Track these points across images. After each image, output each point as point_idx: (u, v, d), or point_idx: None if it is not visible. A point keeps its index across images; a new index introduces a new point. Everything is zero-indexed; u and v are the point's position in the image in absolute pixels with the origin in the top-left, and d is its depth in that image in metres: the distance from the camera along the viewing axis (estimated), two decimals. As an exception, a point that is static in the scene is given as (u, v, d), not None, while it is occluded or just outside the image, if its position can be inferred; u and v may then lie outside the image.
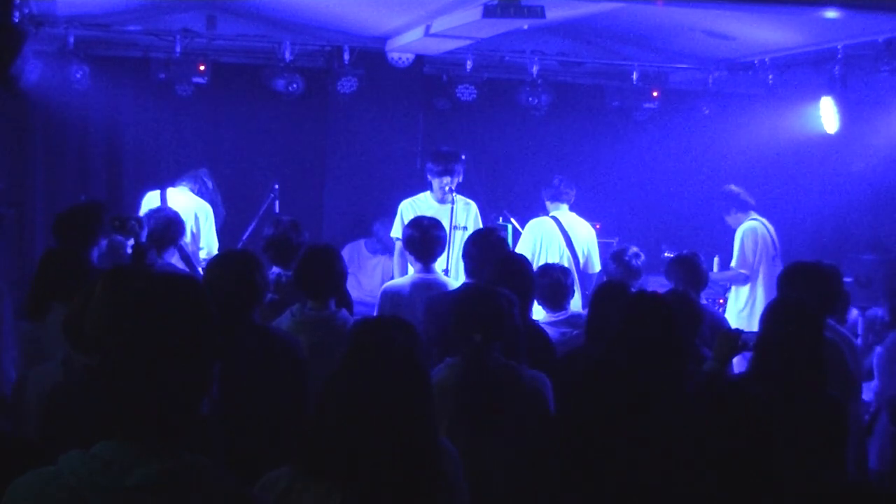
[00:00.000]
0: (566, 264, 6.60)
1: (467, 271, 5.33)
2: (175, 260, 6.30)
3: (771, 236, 7.78)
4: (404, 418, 2.45)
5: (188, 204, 7.02)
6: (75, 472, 1.90)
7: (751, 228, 7.71)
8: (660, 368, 3.43)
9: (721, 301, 8.10)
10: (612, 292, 4.68)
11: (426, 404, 2.56)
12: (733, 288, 7.83)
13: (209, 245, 7.04)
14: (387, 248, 8.37)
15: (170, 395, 1.97)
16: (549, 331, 5.22)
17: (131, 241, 5.68)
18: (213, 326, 2.05)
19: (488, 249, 5.25)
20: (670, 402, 2.92)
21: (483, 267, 5.13)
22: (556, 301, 5.40)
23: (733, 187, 7.90)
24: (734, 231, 7.86)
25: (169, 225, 5.80)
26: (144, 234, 5.61)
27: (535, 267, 6.62)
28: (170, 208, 6.18)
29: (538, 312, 5.52)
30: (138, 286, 2.06)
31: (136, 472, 1.90)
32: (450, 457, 2.93)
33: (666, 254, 8.06)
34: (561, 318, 5.38)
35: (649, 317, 3.82)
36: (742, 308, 7.67)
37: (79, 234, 5.24)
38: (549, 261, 6.73)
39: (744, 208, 7.80)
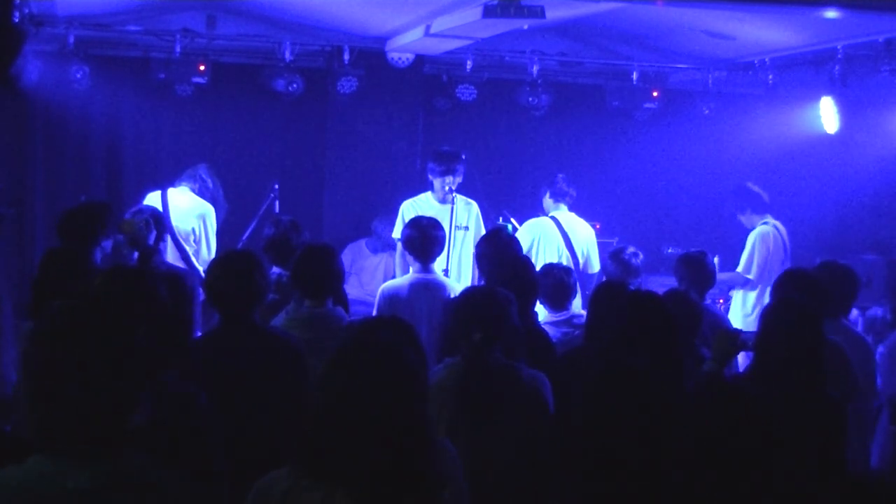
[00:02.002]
0: (565, 265, 6.59)
1: (482, 272, 5.37)
2: (174, 259, 6.29)
3: (783, 241, 7.63)
4: (390, 417, 2.44)
5: (191, 205, 7.01)
6: (10, 483, 1.96)
7: (765, 234, 7.58)
8: (659, 367, 3.43)
9: (721, 301, 8.07)
10: (610, 292, 4.68)
11: (414, 403, 2.53)
12: (741, 292, 7.67)
13: (210, 247, 7.03)
14: (387, 245, 8.36)
15: (92, 412, 2.04)
16: (551, 331, 5.23)
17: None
18: (136, 345, 2.11)
19: (500, 248, 5.28)
20: (670, 401, 2.92)
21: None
22: (558, 301, 5.39)
23: (752, 186, 7.75)
24: (744, 229, 7.77)
25: (152, 224, 5.74)
26: (153, 236, 5.59)
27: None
28: (150, 206, 6.11)
29: (540, 312, 5.52)
30: (59, 308, 2.16)
31: (73, 477, 1.98)
32: (449, 456, 2.92)
33: (670, 250, 8.03)
34: (563, 318, 5.38)
35: (648, 316, 3.83)
36: (749, 314, 7.51)
37: (82, 234, 5.23)
38: (548, 261, 6.72)
39: (760, 210, 7.67)
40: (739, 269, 7.59)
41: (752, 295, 7.61)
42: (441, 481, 2.57)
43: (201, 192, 7.17)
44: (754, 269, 7.51)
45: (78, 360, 2.05)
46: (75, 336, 2.07)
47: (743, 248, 7.75)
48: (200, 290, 4.63)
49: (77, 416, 2.02)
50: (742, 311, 7.64)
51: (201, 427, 3.12)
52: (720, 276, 7.56)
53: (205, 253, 6.93)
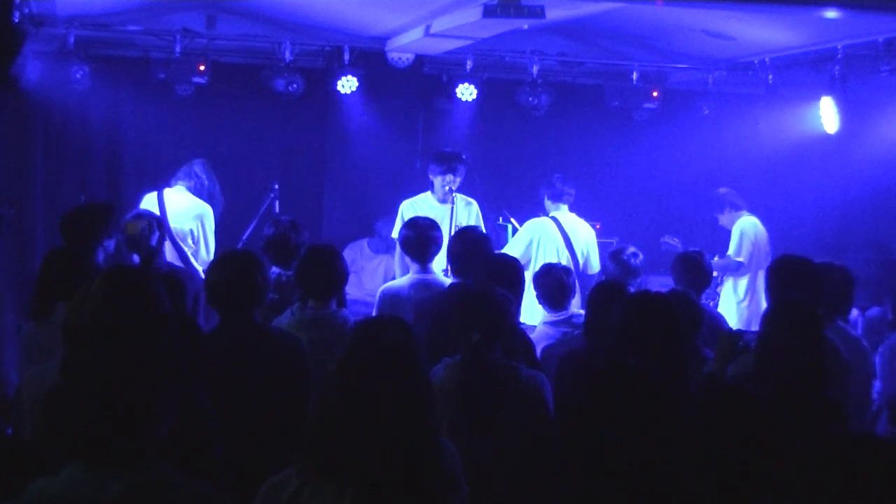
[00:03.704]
0: (565, 265, 6.58)
1: (454, 271, 5.33)
2: (172, 259, 6.28)
3: (765, 234, 7.99)
4: (403, 417, 2.44)
5: (188, 205, 7.00)
6: (47, 493, 1.94)
7: (750, 223, 8.00)
8: (661, 367, 3.43)
9: (716, 300, 8.11)
10: (609, 292, 4.68)
11: (425, 403, 2.55)
12: (731, 280, 7.94)
13: (209, 247, 7.02)
14: (390, 246, 8.38)
15: (123, 422, 2.05)
16: (551, 330, 5.24)
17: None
18: (170, 355, 2.12)
19: (472, 247, 5.26)
20: (671, 401, 2.92)
21: (469, 265, 5.14)
22: (557, 301, 5.39)
23: (725, 190, 8.22)
24: (729, 230, 8.02)
25: (149, 230, 5.71)
26: (156, 237, 5.59)
27: (530, 268, 6.64)
28: (148, 211, 6.09)
29: (539, 312, 5.52)
30: (91, 317, 2.15)
31: (108, 487, 1.98)
32: (450, 455, 2.93)
33: (665, 238, 8.16)
34: (562, 317, 5.38)
35: (652, 315, 3.83)
36: (742, 300, 7.75)
37: (85, 234, 5.23)
38: (548, 261, 6.71)
39: (736, 208, 8.10)
40: (730, 252, 7.94)
41: (743, 282, 7.85)
42: (450, 482, 2.57)
43: (198, 191, 7.14)
44: (744, 252, 7.88)
45: (125, 369, 2.04)
46: (121, 344, 2.06)
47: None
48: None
49: (115, 425, 2.02)
50: (734, 297, 7.85)
51: (202, 427, 3.12)
52: (715, 263, 7.77)
53: (203, 253, 6.93)
